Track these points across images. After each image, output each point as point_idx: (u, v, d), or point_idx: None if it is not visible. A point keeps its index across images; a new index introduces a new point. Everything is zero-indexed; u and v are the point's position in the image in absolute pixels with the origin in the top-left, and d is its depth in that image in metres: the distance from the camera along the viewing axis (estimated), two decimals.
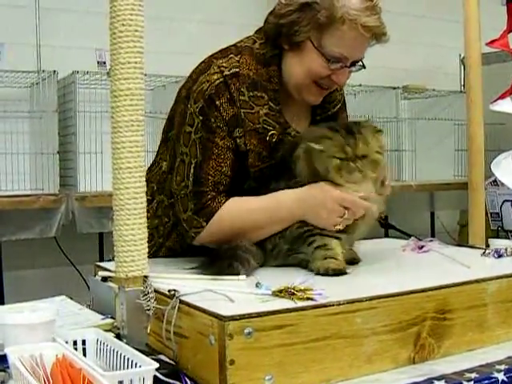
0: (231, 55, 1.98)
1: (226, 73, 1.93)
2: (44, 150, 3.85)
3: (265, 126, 1.95)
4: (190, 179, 1.91)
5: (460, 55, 5.45)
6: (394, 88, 5.02)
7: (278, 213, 1.86)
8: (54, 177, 3.82)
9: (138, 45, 1.40)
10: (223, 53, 2.00)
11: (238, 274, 1.66)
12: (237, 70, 1.95)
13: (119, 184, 1.39)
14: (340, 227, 1.81)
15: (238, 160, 1.95)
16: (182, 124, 1.97)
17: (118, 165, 1.39)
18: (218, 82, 1.92)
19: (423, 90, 5.29)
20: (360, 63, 1.98)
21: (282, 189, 1.88)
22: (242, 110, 1.93)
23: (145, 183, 1.42)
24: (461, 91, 5.29)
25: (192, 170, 1.92)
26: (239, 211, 1.91)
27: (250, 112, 1.94)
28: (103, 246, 4.26)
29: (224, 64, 1.95)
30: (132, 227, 1.39)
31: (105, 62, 4.16)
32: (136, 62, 1.40)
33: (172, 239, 2.09)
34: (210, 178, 1.91)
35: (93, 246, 4.18)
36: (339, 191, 1.79)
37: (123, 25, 1.38)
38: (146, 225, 1.42)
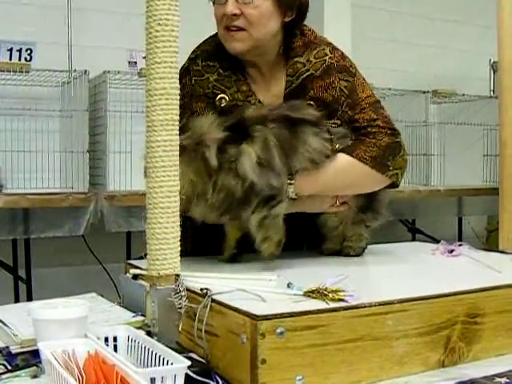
0: (207, 38, 2.17)
1: (191, 56, 2.13)
2: (74, 148, 3.88)
3: (214, 90, 2.06)
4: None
5: (490, 60, 5.43)
6: (424, 92, 5.01)
7: None
8: (84, 175, 3.85)
9: (174, 45, 1.41)
10: None
11: None
12: (197, 51, 2.13)
13: (153, 182, 1.40)
14: None
15: None
16: None
17: (152, 163, 1.40)
18: (185, 65, 2.11)
19: (453, 94, 5.27)
20: None
21: None
22: (194, 78, 2.07)
23: (178, 182, 1.43)
24: (490, 96, 5.27)
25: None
26: None
27: (201, 79, 2.07)
28: (131, 245, 4.28)
29: (195, 49, 2.15)
30: (165, 226, 1.40)
31: (136, 62, 4.18)
32: (172, 62, 1.40)
33: None
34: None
35: (121, 245, 4.21)
36: None
37: (159, 24, 1.39)
38: (179, 223, 1.43)
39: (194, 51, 2.14)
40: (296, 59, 2.08)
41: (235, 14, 1.95)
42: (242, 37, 1.99)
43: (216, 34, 2.10)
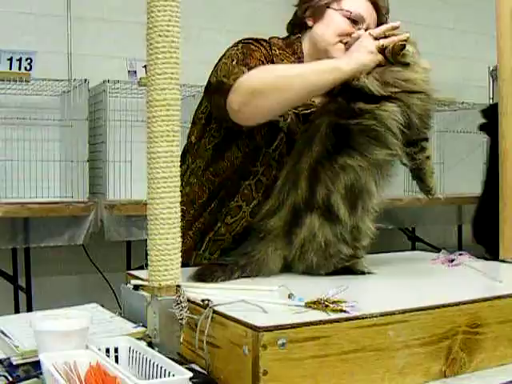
0: (271, 38, 2.25)
1: (263, 39, 2.19)
2: (74, 157, 3.88)
3: None
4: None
5: (489, 68, 5.42)
6: None
7: (319, 65, 2.01)
8: (84, 185, 3.85)
9: (175, 56, 1.41)
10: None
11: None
12: (270, 41, 2.20)
13: (154, 193, 1.40)
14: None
15: None
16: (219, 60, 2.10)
17: (153, 174, 1.40)
18: (260, 39, 2.17)
19: (452, 102, 5.26)
20: None
21: None
22: (274, 58, 2.15)
23: (179, 193, 1.43)
24: (490, 104, 5.27)
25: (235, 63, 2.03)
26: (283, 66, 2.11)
27: (281, 62, 2.15)
28: (131, 254, 4.28)
29: (264, 38, 2.21)
30: (166, 236, 1.40)
31: (135, 72, 4.18)
32: (172, 73, 1.41)
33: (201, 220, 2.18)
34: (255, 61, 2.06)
35: (121, 254, 4.21)
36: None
37: (160, 36, 1.39)
38: (180, 233, 1.43)
39: (263, 39, 2.19)
40: None
41: None
42: None
43: (280, 38, 2.25)
